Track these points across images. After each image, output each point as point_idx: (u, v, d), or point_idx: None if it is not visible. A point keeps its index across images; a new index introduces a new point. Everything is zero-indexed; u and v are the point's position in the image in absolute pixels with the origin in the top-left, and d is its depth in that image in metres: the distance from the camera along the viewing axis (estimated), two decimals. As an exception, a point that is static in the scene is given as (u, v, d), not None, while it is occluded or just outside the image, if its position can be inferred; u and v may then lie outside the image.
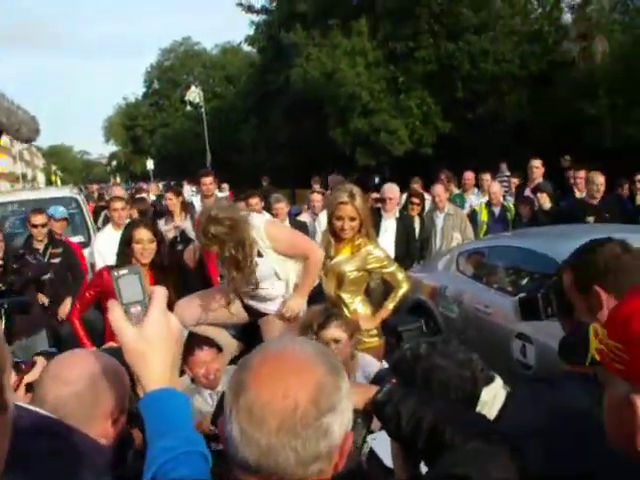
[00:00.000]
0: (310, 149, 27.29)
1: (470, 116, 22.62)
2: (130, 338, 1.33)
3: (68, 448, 1.39)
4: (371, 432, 3.52)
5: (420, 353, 1.87)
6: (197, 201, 8.21)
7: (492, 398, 1.78)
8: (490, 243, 7.13)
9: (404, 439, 1.57)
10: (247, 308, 4.36)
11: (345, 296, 4.44)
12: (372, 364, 3.47)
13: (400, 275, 4.59)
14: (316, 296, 4.44)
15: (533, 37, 21.38)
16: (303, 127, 27.50)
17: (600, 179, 7.63)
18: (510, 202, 9.73)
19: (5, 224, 11.06)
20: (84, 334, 4.70)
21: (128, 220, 6.50)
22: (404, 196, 9.15)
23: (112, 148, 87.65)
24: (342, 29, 25.51)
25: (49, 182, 79.76)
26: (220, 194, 10.69)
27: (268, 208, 7.82)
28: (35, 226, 6.67)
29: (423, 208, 8.64)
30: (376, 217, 7.25)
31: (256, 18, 32.13)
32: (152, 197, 14.23)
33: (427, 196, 9.06)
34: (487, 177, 10.47)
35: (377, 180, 21.88)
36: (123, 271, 1.41)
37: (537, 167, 9.79)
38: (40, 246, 6.69)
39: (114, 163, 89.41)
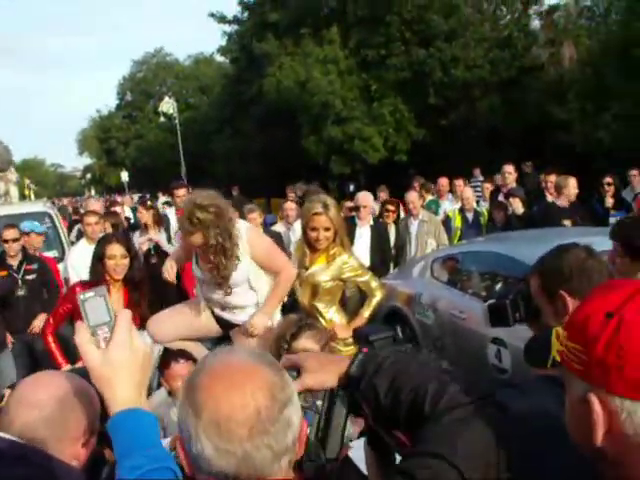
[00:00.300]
0: (284, 158, 27.34)
1: (443, 122, 22.82)
2: (95, 362, 1.35)
3: (38, 473, 1.38)
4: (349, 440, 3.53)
5: None
6: (171, 213, 8.18)
7: None
8: (464, 249, 7.18)
9: (385, 414, 1.50)
10: (217, 319, 4.35)
11: (320, 306, 4.45)
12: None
13: (374, 283, 4.62)
14: (291, 306, 4.45)
15: (503, 43, 21.66)
16: (277, 136, 27.55)
17: (573, 182, 7.74)
18: (483, 207, 9.81)
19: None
20: (58, 350, 4.65)
21: (101, 234, 6.45)
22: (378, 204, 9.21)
23: (86, 161, 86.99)
24: (314, 38, 25.63)
25: (22, 196, 78.94)
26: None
27: (242, 218, 7.81)
28: (6, 241, 6.57)
29: (398, 215, 8.69)
30: (350, 225, 7.28)
31: (228, 28, 32.24)
32: (127, 210, 14.14)
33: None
34: (460, 183, 10.54)
35: (352, 188, 21.97)
36: (89, 294, 1.42)
37: (510, 172, 9.88)
38: (14, 262, 6.59)
39: (88, 176, 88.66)
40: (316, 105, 23.87)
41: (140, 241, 7.45)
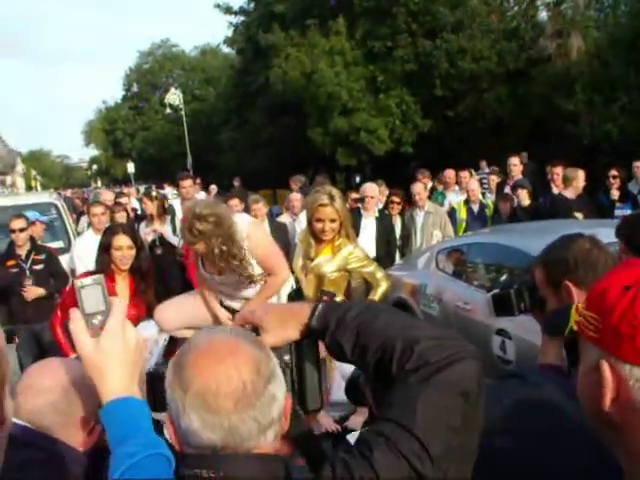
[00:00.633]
0: (291, 150, 27.33)
1: (450, 114, 22.76)
2: (87, 350, 1.37)
3: (44, 457, 1.39)
4: (352, 430, 3.55)
5: None
6: (178, 204, 8.19)
7: None
8: (469, 240, 7.18)
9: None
10: (226, 309, 4.37)
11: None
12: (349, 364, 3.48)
13: (379, 274, 4.63)
14: (296, 296, 4.45)
15: (510, 35, 21.54)
16: (283, 127, 27.54)
17: (582, 175, 7.74)
18: (489, 199, 9.79)
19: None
20: (65, 341, 4.68)
21: (107, 225, 6.47)
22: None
23: (92, 152, 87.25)
24: (320, 29, 25.56)
25: (29, 187, 79.11)
26: (198, 196, 10.68)
27: (246, 209, 7.82)
28: (14, 231, 6.61)
29: (404, 207, 8.69)
30: (356, 216, 7.28)
31: (234, 19, 32.17)
32: (133, 201, 14.17)
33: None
34: (465, 174, 10.53)
35: (358, 179, 21.96)
36: (86, 281, 1.42)
37: (515, 164, 9.87)
38: (22, 252, 6.63)
39: (95, 167, 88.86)
40: (322, 96, 23.83)
41: (145, 232, 7.47)
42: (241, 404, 1.17)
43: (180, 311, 4.38)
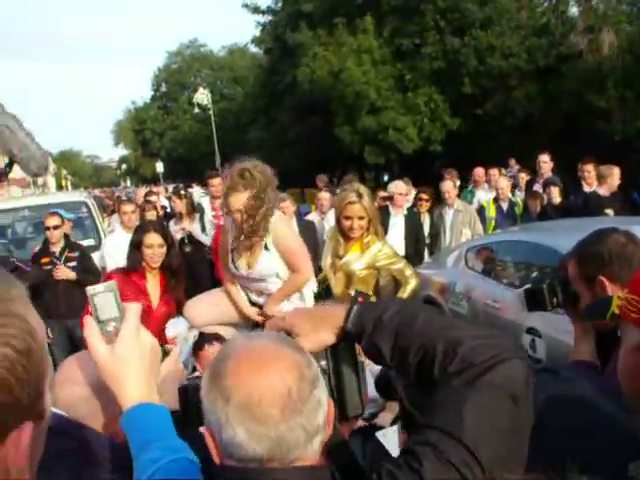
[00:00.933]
0: (319, 148, 27.33)
1: (478, 112, 22.60)
2: (103, 358, 1.35)
3: (78, 446, 1.41)
4: (381, 427, 3.53)
5: None
6: (206, 202, 8.24)
7: None
8: (498, 238, 7.12)
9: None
10: (254, 305, 4.39)
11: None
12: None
13: (408, 271, 4.61)
14: (324, 295, 4.46)
15: (540, 31, 21.32)
16: (311, 126, 27.55)
17: (617, 172, 7.65)
18: (518, 197, 9.70)
19: (17, 229, 11.15)
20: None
21: (137, 223, 6.53)
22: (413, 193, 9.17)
23: (122, 152, 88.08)
24: (348, 27, 25.54)
25: (59, 187, 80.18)
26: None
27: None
28: (48, 228, 6.70)
29: (432, 205, 8.65)
30: (384, 214, 7.26)
31: (262, 19, 32.27)
32: (163, 199, 14.32)
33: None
34: (494, 172, 10.43)
35: (386, 178, 21.90)
36: (98, 288, 1.40)
37: (545, 162, 9.76)
38: (56, 249, 6.72)
39: (124, 167, 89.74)
40: (350, 95, 23.81)
41: (174, 230, 7.53)
42: (288, 411, 1.12)
43: (210, 307, 4.41)
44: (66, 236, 6.93)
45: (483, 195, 10.17)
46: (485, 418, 1.13)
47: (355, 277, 4.42)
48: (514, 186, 10.48)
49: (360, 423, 3.92)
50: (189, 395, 1.47)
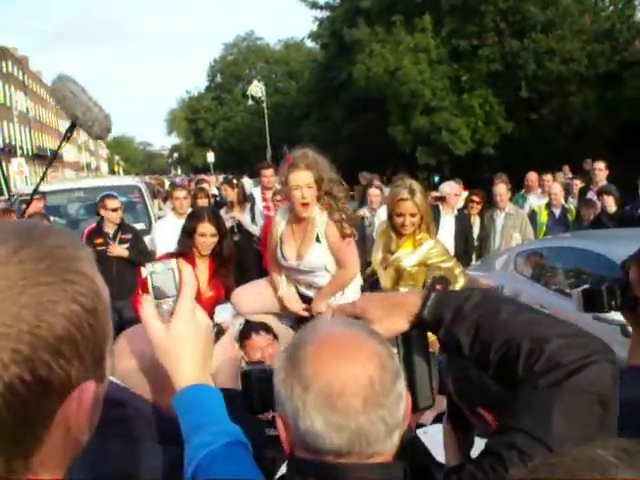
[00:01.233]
0: (371, 146, 27.26)
1: (534, 116, 22.26)
2: (159, 336, 1.33)
3: (133, 415, 1.43)
4: (421, 425, 3.51)
5: None
6: (257, 193, 8.29)
7: None
8: (549, 244, 7.02)
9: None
10: (302, 297, 4.40)
11: (403, 291, 4.45)
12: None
13: (457, 270, 4.58)
14: (373, 287, 4.46)
15: (603, 36, 20.87)
16: (364, 124, 27.50)
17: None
18: (572, 204, 9.55)
19: (70, 210, 11.39)
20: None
21: (190, 209, 6.60)
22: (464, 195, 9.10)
23: (174, 140, 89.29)
24: (405, 26, 25.42)
25: (112, 172, 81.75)
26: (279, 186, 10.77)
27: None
28: (106, 209, 6.83)
29: (483, 208, 8.56)
30: (435, 214, 7.22)
31: (319, 14, 32.31)
32: (213, 188, 14.48)
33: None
34: (548, 178, 10.28)
35: (437, 179, 21.75)
36: (158, 266, 1.38)
37: (600, 169, 9.57)
38: (110, 231, 6.85)
39: (175, 155, 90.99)
40: (405, 94, 23.71)
41: (225, 218, 7.59)
42: (370, 403, 1.07)
43: (257, 296, 4.44)
44: (121, 218, 7.06)
45: (535, 200, 10.03)
46: (574, 424, 1.09)
47: (406, 273, 4.41)
48: (567, 193, 10.31)
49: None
50: (252, 380, 1.45)
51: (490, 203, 8.65)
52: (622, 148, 17.77)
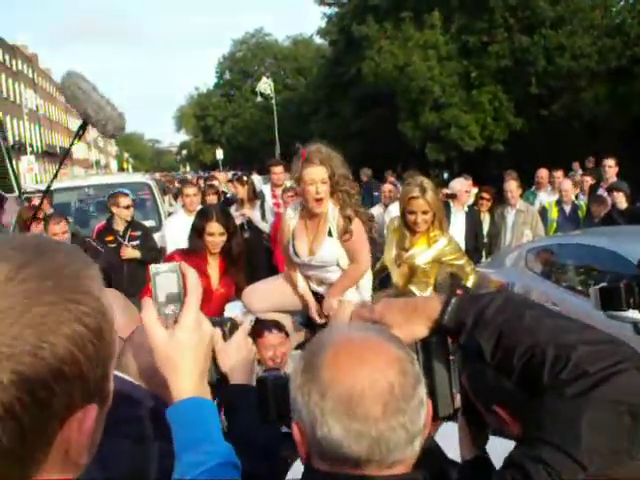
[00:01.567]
0: (380, 142, 27.23)
1: (544, 113, 22.17)
2: (160, 341, 1.30)
3: (148, 415, 1.43)
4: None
5: None
6: (267, 190, 8.29)
7: None
8: (560, 241, 6.99)
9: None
10: (314, 294, 4.40)
11: (414, 288, 4.45)
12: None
13: (469, 267, 4.60)
14: (383, 283, 4.47)
15: (613, 31, 20.75)
16: (373, 120, 27.47)
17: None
18: (582, 201, 9.50)
19: (80, 207, 11.43)
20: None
21: (200, 207, 6.60)
22: (474, 191, 9.07)
23: (183, 137, 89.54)
24: (415, 22, 25.35)
25: (121, 169, 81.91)
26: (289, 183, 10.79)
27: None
28: (126, 207, 6.86)
29: (493, 204, 8.54)
30: (446, 212, 7.21)
31: (328, 10, 32.29)
32: (222, 185, 14.49)
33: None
34: (559, 174, 10.23)
35: (446, 175, 21.71)
36: (162, 268, 1.34)
37: (610, 166, 9.51)
38: (120, 228, 6.87)
39: (184, 152, 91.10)
40: (414, 90, 23.66)
41: (235, 216, 7.59)
42: (390, 409, 1.04)
43: (269, 294, 4.44)
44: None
45: (545, 197, 9.99)
46: (604, 437, 1.05)
47: (419, 270, 4.41)
48: (578, 190, 10.27)
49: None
50: (267, 387, 1.41)
51: (500, 200, 8.63)
52: (634, 143, 17.67)
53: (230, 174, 26.86)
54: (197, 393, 1.29)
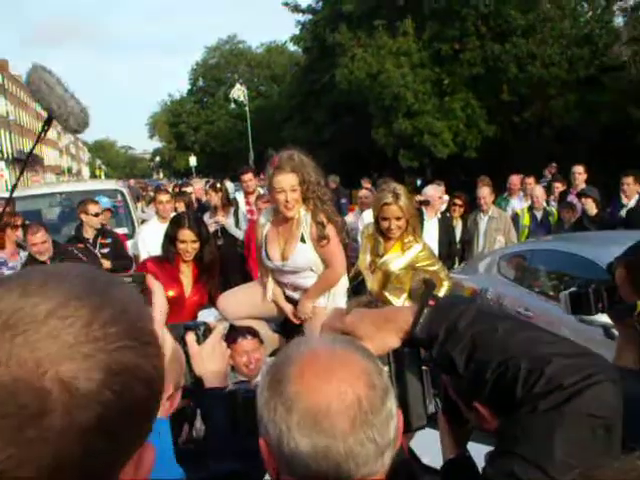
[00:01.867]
0: (353, 149, 27.32)
1: (516, 120, 22.41)
2: None
3: None
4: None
5: None
6: (241, 197, 8.27)
7: None
8: (532, 247, 7.07)
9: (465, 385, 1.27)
10: (289, 300, 4.40)
11: (389, 294, 4.46)
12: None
13: (442, 274, 4.62)
14: (356, 291, 4.47)
15: (582, 40, 21.07)
16: (347, 127, 27.55)
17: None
18: (553, 207, 9.62)
19: (52, 214, 11.31)
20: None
21: (173, 214, 6.57)
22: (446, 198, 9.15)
23: (156, 144, 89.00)
24: (388, 29, 25.48)
25: (93, 176, 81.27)
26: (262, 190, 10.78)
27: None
28: (95, 215, 6.80)
29: (465, 210, 8.61)
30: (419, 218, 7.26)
31: (302, 18, 32.33)
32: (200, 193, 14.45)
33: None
34: (531, 181, 10.36)
35: (419, 182, 21.82)
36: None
37: (580, 173, 9.64)
38: (90, 235, 6.81)
39: (157, 159, 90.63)
40: (387, 97, 23.77)
41: (208, 223, 7.57)
42: (358, 423, 1.01)
43: (244, 300, 4.43)
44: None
45: (517, 203, 10.10)
46: (577, 450, 1.04)
47: (393, 276, 4.43)
48: (548, 196, 10.39)
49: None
50: (239, 402, 1.40)
51: (473, 206, 8.70)
52: (603, 150, 17.93)
53: (203, 181, 26.76)
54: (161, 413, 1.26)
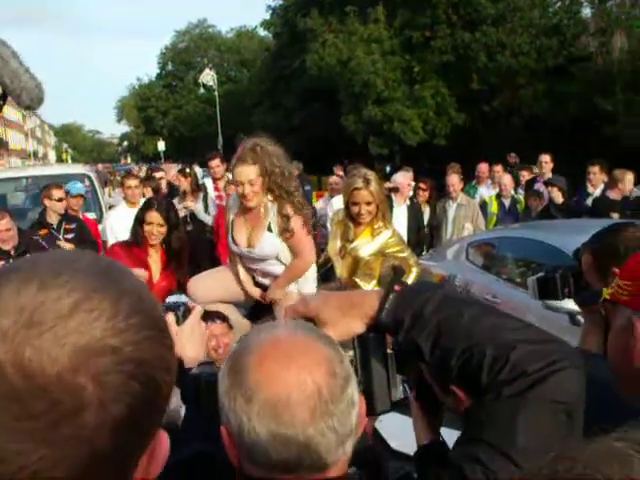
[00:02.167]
0: (323, 135, 27.29)
1: (485, 108, 22.59)
2: None
3: None
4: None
5: None
6: (209, 182, 8.22)
7: None
8: (500, 234, 7.12)
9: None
10: (259, 286, 4.40)
11: (359, 280, 4.48)
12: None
13: (412, 260, 4.64)
14: (326, 277, 4.47)
15: (551, 31, 21.28)
16: (316, 113, 27.51)
17: (630, 177, 7.64)
18: (521, 195, 9.71)
19: (17, 199, 11.13)
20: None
21: (143, 199, 6.50)
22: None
23: (124, 128, 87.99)
24: (359, 16, 25.45)
25: (60, 160, 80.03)
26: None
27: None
28: (59, 200, 6.68)
29: (431, 195, 8.64)
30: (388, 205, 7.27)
31: (272, 2, 32.17)
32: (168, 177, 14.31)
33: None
34: (499, 169, 10.45)
35: (388, 169, 21.90)
36: None
37: (546, 162, 9.73)
38: (54, 221, 6.70)
39: (125, 143, 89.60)
40: (357, 84, 23.79)
41: (177, 208, 7.51)
42: (318, 413, 1.00)
43: (214, 285, 4.41)
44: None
45: (485, 191, 10.18)
46: (539, 436, 1.04)
47: (362, 261, 4.44)
48: (516, 184, 10.48)
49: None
50: (202, 386, 1.39)
51: (442, 193, 8.74)
52: (570, 140, 18.15)
53: (173, 166, 26.53)
54: None
